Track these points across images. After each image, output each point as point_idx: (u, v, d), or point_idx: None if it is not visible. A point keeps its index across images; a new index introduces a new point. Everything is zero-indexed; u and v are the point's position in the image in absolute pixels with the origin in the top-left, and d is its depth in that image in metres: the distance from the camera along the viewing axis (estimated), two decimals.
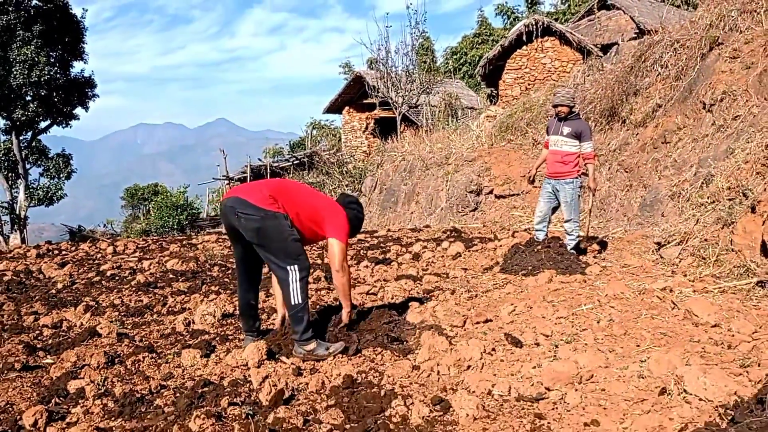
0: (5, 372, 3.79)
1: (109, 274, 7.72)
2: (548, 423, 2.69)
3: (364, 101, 32.18)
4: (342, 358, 3.75)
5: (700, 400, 2.76)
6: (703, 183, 8.34)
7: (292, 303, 3.85)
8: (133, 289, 6.58)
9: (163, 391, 3.32)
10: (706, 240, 6.50)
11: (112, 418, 2.96)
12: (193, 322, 4.94)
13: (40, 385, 3.57)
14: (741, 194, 6.60)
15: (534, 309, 4.74)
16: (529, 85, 19.66)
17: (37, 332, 4.83)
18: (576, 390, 3.01)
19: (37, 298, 6.15)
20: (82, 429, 2.69)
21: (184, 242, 11.63)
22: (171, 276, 7.39)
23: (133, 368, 3.78)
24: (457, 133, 17.88)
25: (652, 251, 7.23)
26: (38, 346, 4.35)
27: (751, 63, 9.53)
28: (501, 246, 8.07)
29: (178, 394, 3.21)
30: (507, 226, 11.54)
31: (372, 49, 27.97)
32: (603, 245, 8.07)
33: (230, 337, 4.51)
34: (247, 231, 3.83)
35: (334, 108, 35.21)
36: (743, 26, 10.22)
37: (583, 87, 14.30)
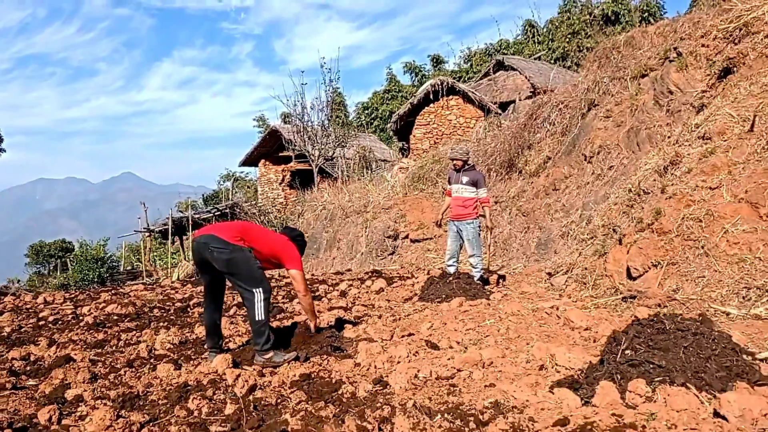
0: None
1: (51, 319, 8.08)
2: (459, 389, 3.66)
3: (280, 154, 33.07)
4: (295, 364, 4.59)
5: (566, 369, 3.82)
6: (585, 222, 9.80)
7: (256, 319, 4.67)
8: (84, 329, 7.07)
9: (151, 392, 4.03)
10: (586, 268, 7.81)
11: (118, 410, 3.65)
12: (155, 349, 5.59)
13: (36, 399, 4.17)
14: (611, 230, 8.00)
15: (448, 325, 5.76)
16: (437, 139, 21.31)
17: (9, 364, 5.32)
18: (480, 370, 4.00)
19: None
20: (100, 417, 3.38)
21: (112, 292, 11.93)
22: (115, 317, 7.89)
23: (117, 381, 4.44)
24: (373, 184, 19.08)
25: (545, 280, 8.49)
26: (18, 371, 4.89)
27: (621, 121, 11.29)
28: (418, 282, 9.13)
29: (166, 393, 3.94)
30: (422, 267, 12.64)
31: (288, 104, 29.10)
32: (504, 278, 9.29)
33: (193, 357, 5.21)
34: (218, 262, 4.65)
35: (250, 161, 35.84)
36: (614, 90, 12.07)
37: (485, 141, 15.92)
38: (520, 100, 21.92)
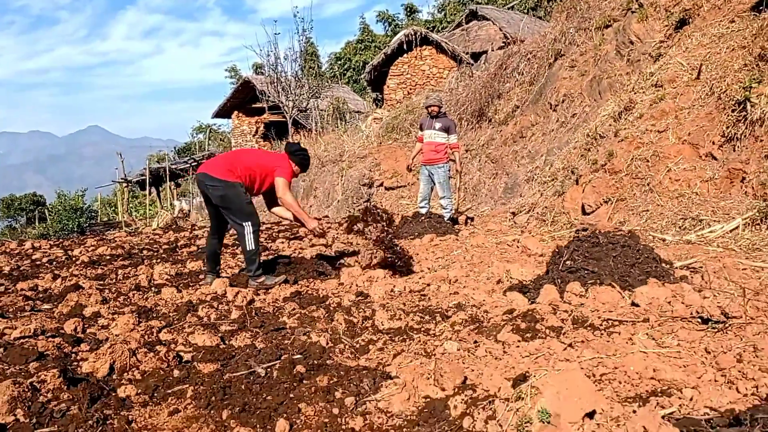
0: (18, 313, 4.88)
1: (45, 260, 8.55)
2: (428, 297, 4.31)
3: (253, 105, 33.06)
4: (285, 285, 5.20)
5: (519, 281, 4.50)
6: (548, 167, 10.47)
7: (248, 249, 5.25)
8: (81, 266, 7.58)
9: (160, 308, 4.62)
10: (546, 207, 8.51)
11: (136, 320, 4.22)
12: (154, 279, 6.16)
13: (56, 317, 4.72)
14: (570, 172, 8.68)
15: (420, 255, 6.42)
16: (411, 89, 21.70)
17: (21, 294, 5.83)
18: (446, 284, 4.66)
19: None
20: (124, 322, 3.96)
21: (98, 238, 12.36)
22: (108, 257, 8.39)
23: (126, 302, 5.01)
24: (348, 134, 19.51)
25: (509, 219, 9.19)
26: (32, 297, 5.43)
27: (585, 71, 11.87)
28: (393, 223, 9.75)
29: (175, 307, 4.53)
30: (397, 213, 13.28)
31: (261, 54, 28.96)
32: (472, 219, 9.97)
33: (191, 284, 5.79)
34: (213, 197, 5.20)
35: (223, 112, 35.74)
36: (579, 41, 12.60)
37: (457, 91, 16.40)
38: (492, 50, 22.25)
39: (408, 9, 43.85)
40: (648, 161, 7.25)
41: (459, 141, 9.14)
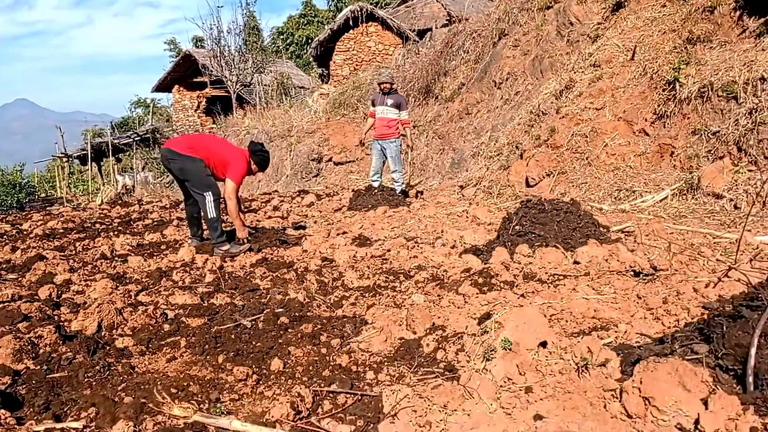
0: None
1: None
2: (390, 260, 4.65)
3: (194, 80, 32.42)
4: (250, 253, 5.43)
5: (472, 245, 4.88)
6: (494, 143, 10.94)
7: (209, 217, 5.46)
8: (36, 239, 7.55)
9: (132, 275, 4.78)
10: (492, 180, 8.96)
11: (114, 285, 4.38)
12: (116, 250, 6.26)
13: (26, 285, 4.80)
14: (515, 147, 9.15)
15: (375, 225, 6.74)
16: (357, 65, 21.83)
17: None
18: (405, 249, 5.00)
19: None
20: (102, 286, 4.11)
21: (43, 213, 12.13)
22: (62, 231, 8.35)
23: (95, 270, 5.14)
24: (294, 110, 19.54)
25: (457, 192, 9.61)
26: None
27: (527, 50, 12.36)
28: (344, 197, 10.04)
29: (147, 273, 4.71)
30: (346, 187, 13.55)
31: (203, 27, 28.42)
32: (422, 192, 10.35)
33: (155, 254, 5.93)
34: (175, 170, 5.40)
35: (164, 86, 34.88)
36: (522, 21, 13.07)
37: (404, 68, 16.68)
38: (436, 27, 22.61)
39: None
40: (587, 137, 7.77)
41: (409, 117, 9.46)
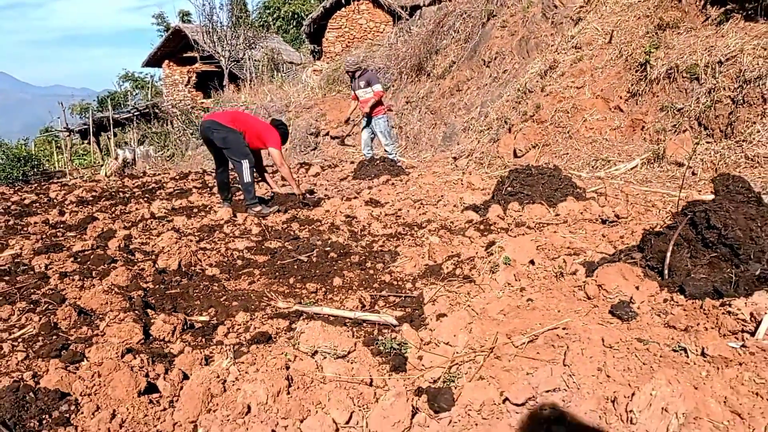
0: (51, 238, 5.77)
1: (27, 202, 9.19)
2: (402, 217, 5.56)
3: (185, 55, 32.80)
4: (278, 214, 6.31)
5: (471, 204, 5.80)
6: (483, 117, 11.83)
7: (245, 181, 6.33)
8: (73, 204, 8.34)
9: (182, 231, 5.64)
10: (483, 152, 9.88)
11: (178, 236, 5.23)
12: (154, 212, 7.09)
13: (93, 238, 5.65)
14: (503, 122, 10.05)
15: (382, 191, 7.64)
16: (349, 42, 22.51)
17: (37, 227, 6.65)
18: (414, 209, 5.91)
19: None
20: (168, 236, 4.97)
21: (60, 184, 12.84)
22: (90, 199, 9.13)
23: (147, 227, 5.99)
24: (289, 85, 20.25)
25: (450, 163, 10.52)
26: (54, 226, 6.29)
27: (515, 31, 13.20)
28: (347, 168, 10.90)
29: (196, 228, 5.57)
30: (344, 159, 14.40)
31: (196, 3, 28.81)
32: (418, 165, 11.24)
33: (191, 216, 6.78)
34: (218, 140, 6.24)
35: (154, 61, 35.19)
36: (509, 2, 13.87)
37: (396, 47, 17.44)
38: (424, 5, 23.27)
39: None
40: (568, 113, 8.69)
41: (383, 89, 10.25)
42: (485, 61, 13.49)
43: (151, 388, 2.26)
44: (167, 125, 21.45)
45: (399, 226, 5.01)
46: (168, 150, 19.68)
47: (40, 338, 2.81)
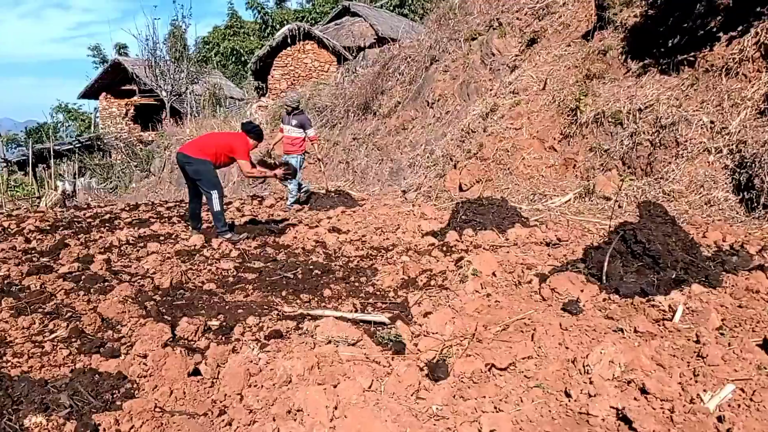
0: (27, 263, 6.00)
1: None
2: (368, 242, 6.11)
3: (123, 88, 32.59)
4: (248, 240, 6.74)
5: (429, 231, 6.42)
6: (429, 154, 12.62)
7: (215, 210, 6.74)
8: (34, 233, 8.45)
9: (163, 253, 5.99)
10: (431, 186, 10.60)
11: (162, 257, 5.58)
12: (121, 239, 7.35)
13: (72, 263, 5.91)
14: (449, 158, 10.83)
15: (341, 221, 8.18)
16: (294, 80, 23.17)
17: (10, 252, 6.81)
18: (376, 235, 6.47)
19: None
20: (153, 258, 5.33)
21: (4, 216, 12.70)
22: (48, 228, 9.23)
23: (122, 253, 6.29)
24: (235, 120, 20.61)
25: (400, 196, 11.19)
26: (27, 251, 6.49)
27: (456, 75, 14.17)
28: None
29: (175, 251, 5.94)
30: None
31: (140, 38, 28.93)
32: (367, 199, 11.87)
33: (162, 242, 7.10)
34: (191, 172, 6.67)
35: (90, 93, 34.73)
36: (451, 49, 14.89)
37: (343, 86, 18.21)
38: (365, 46, 24.21)
39: None
40: (508, 151, 9.54)
41: (317, 133, 10.97)
42: (429, 102, 14.38)
43: (194, 372, 2.71)
44: (109, 158, 21.31)
45: (368, 249, 5.57)
46: (111, 182, 19.57)
47: (73, 340, 3.19)
